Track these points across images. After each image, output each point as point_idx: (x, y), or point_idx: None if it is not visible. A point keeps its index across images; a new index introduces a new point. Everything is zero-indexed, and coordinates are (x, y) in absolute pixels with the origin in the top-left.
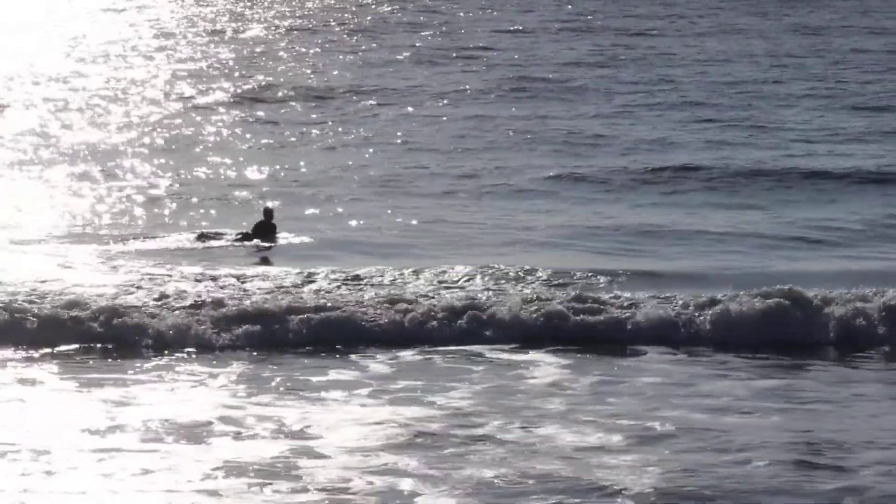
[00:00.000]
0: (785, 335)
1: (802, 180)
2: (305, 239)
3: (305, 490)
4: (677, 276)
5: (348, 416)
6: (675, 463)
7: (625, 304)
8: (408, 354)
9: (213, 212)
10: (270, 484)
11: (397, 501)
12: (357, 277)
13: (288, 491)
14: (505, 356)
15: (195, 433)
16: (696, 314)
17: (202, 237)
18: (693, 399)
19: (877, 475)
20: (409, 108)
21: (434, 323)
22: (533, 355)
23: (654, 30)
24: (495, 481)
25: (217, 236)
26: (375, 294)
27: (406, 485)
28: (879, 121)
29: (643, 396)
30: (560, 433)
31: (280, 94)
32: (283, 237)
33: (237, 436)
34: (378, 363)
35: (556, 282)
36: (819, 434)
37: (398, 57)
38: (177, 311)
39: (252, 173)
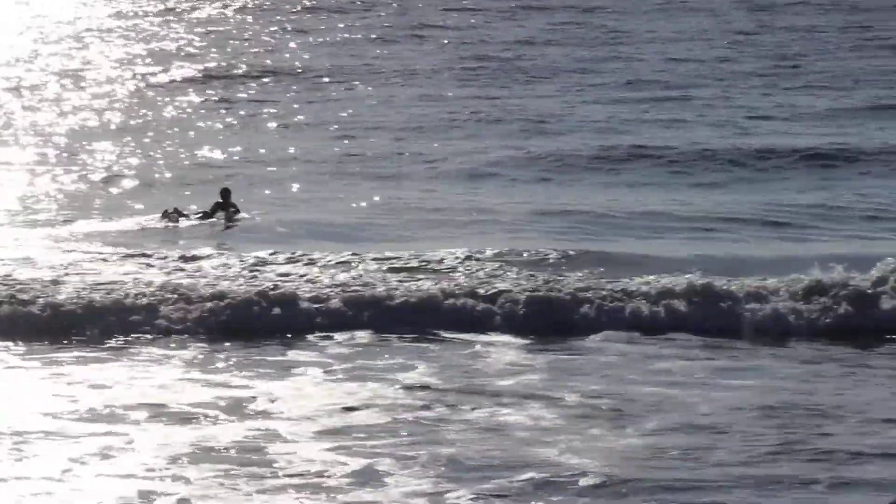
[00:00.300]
0: (732, 320)
1: (756, 159)
2: (261, 220)
3: (276, 474)
4: (631, 258)
5: (313, 398)
6: (643, 445)
7: (579, 288)
8: (366, 336)
9: (170, 192)
10: (241, 468)
11: (371, 482)
12: (312, 260)
13: (259, 474)
14: (462, 336)
15: (158, 416)
16: (652, 298)
17: (166, 215)
18: (654, 378)
19: (848, 454)
20: (364, 88)
21: (391, 306)
22: (490, 337)
23: (607, 8)
24: (466, 462)
25: (179, 215)
26: (331, 277)
27: (378, 465)
28: (833, 99)
29: (603, 376)
30: (526, 413)
31: (235, 73)
32: (241, 217)
33: (202, 419)
34: (337, 345)
35: (510, 264)
36: (786, 413)
37: (350, 36)
38: (135, 294)
39: (209, 153)
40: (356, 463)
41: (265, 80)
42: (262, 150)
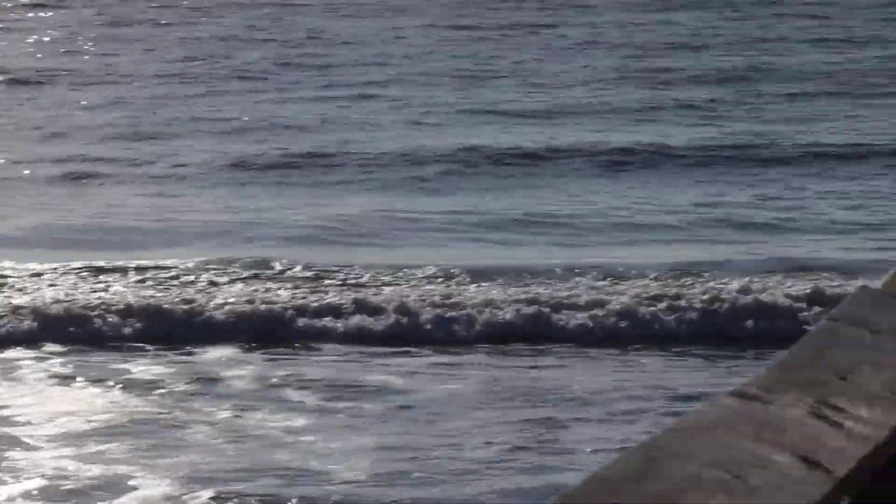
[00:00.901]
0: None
1: (461, 159)
2: None
3: (18, 480)
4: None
5: (48, 403)
6: (389, 444)
7: (296, 297)
8: (90, 343)
9: None
10: None
11: (115, 488)
12: (36, 271)
13: (1, 481)
14: (188, 346)
15: None
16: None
17: None
18: (386, 378)
19: (590, 448)
20: (64, 89)
21: (110, 320)
22: (213, 344)
23: (305, 5)
24: (209, 466)
25: None
26: (51, 285)
27: (123, 471)
28: (536, 98)
29: (329, 382)
30: (262, 415)
31: None
32: None
33: None
34: (63, 351)
35: (221, 272)
36: (525, 409)
37: (56, 34)
38: None
39: None
40: (99, 468)
41: None
42: None
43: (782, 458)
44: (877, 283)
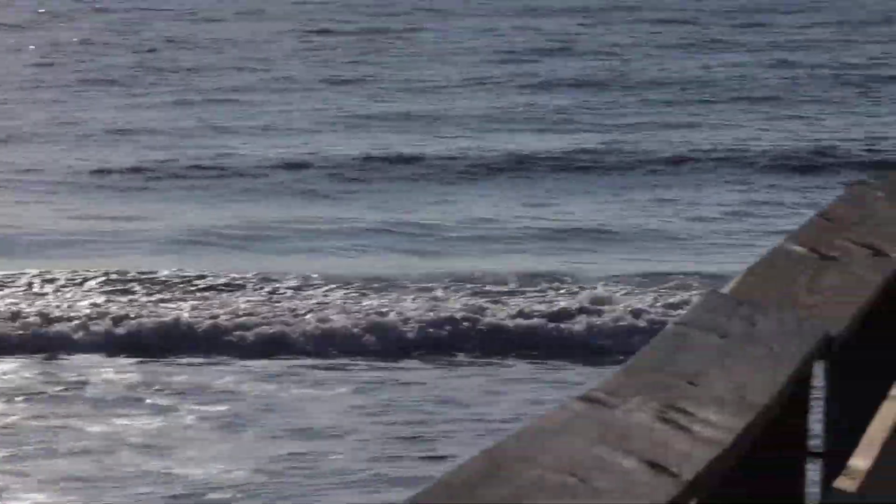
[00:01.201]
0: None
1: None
2: None
3: None
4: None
5: None
6: (263, 453)
7: (159, 304)
8: None
9: None
10: None
11: None
12: None
13: None
14: (46, 352)
15: None
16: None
17: None
18: (258, 377)
19: (461, 456)
20: None
21: None
22: (66, 352)
23: (167, 9)
24: (85, 474)
25: None
26: None
27: None
28: (407, 103)
29: (202, 382)
30: (134, 423)
31: None
32: None
33: None
34: None
35: (84, 284)
36: (397, 415)
37: None
38: None
39: None
40: None
41: None
42: None
43: (628, 462)
44: (726, 289)
